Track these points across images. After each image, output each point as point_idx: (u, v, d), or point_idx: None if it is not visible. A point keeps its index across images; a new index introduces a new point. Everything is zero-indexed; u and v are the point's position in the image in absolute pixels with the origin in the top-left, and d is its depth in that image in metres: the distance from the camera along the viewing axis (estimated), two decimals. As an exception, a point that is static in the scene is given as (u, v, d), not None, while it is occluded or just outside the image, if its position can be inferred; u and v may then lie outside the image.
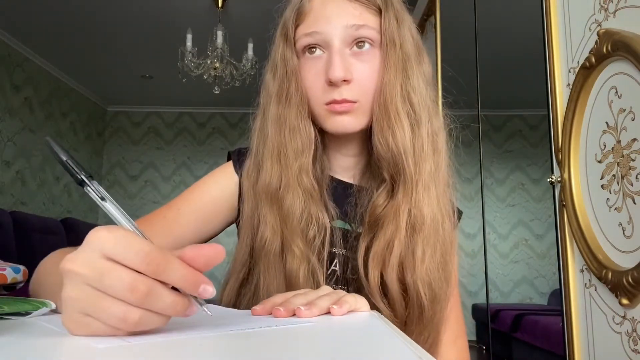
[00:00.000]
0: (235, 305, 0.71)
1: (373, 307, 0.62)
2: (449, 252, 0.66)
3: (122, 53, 4.35)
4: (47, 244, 3.84)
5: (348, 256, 0.68)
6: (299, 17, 0.68)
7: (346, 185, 0.72)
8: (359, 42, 0.66)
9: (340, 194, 0.70)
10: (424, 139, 0.65)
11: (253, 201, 0.69)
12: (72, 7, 3.57)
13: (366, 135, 0.70)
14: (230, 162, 0.77)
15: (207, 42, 3.46)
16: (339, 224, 0.69)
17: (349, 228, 0.69)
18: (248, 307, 0.67)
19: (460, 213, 0.78)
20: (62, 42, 4.14)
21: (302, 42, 0.67)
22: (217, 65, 3.47)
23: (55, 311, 0.47)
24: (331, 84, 0.65)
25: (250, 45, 3.48)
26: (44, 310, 0.45)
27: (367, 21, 0.66)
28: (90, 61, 4.54)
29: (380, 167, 0.67)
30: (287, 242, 0.64)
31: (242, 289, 0.70)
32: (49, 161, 4.66)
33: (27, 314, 0.44)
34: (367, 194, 0.68)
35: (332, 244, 0.68)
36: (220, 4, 3.45)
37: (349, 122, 0.66)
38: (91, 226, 4.90)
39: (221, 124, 5.66)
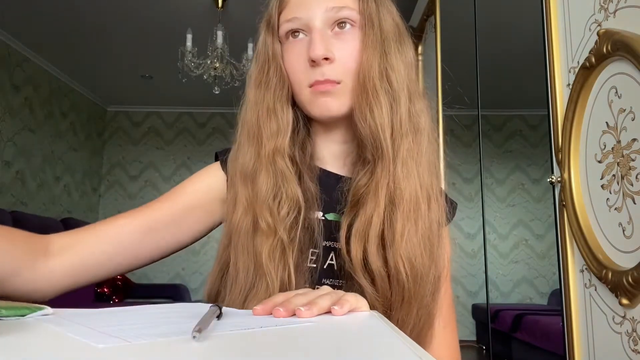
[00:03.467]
0: (219, 290, 0.72)
1: (357, 285, 0.63)
2: (435, 234, 0.66)
3: (122, 53, 4.35)
4: (47, 244, 3.84)
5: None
6: (281, 4, 0.70)
7: (337, 177, 0.72)
8: (340, 23, 0.68)
9: (332, 186, 0.71)
10: (402, 116, 0.66)
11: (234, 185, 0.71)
12: (72, 7, 3.57)
13: (353, 121, 0.70)
14: (218, 163, 0.77)
15: (207, 42, 3.46)
16: (332, 216, 0.70)
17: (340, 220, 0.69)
18: (230, 294, 0.67)
19: (454, 205, 0.78)
20: (62, 42, 4.14)
21: (284, 27, 0.69)
22: (217, 65, 3.47)
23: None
24: (313, 63, 0.66)
25: (250, 45, 3.48)
26: (42, 313, 0.45)
27: (346, 3, 0.67)
28: (90, 61, 4.54)
29: (365, 150, 0.67)
30: (256, 219, 0.65)
31: (225, 275, 0.71)
32: (49, 161, 4.66)
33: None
34: (354, 180, 0.68)
35: (327, 238, 0.68)
36: (220, 4, 3.45)
37: (333, 105, 0.67)
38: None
39: (221, 124, 5.66)
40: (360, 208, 0.64)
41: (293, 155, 0.69)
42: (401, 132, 0.65)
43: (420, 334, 0.66)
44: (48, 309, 0.46)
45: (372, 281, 0.62)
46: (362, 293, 0.60)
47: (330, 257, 0.68)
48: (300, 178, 0.69)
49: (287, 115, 0.69)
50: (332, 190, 0.70)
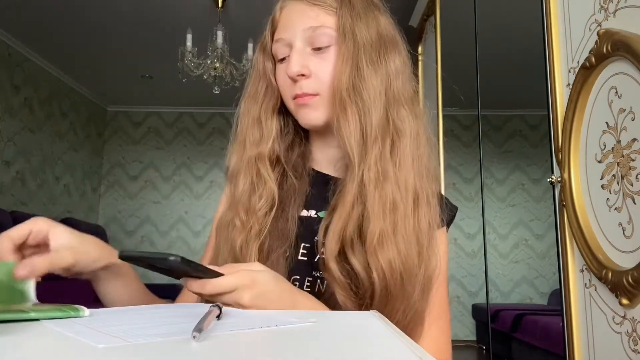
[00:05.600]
0: None
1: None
2: (425, 234, 0.67)
3: (122, 53, 4.35)
4: (47, 244, 3.83)
5: None
6: (273, 25, 0.78)
7: (327, 178, 0.76)
8: (319, 42, 0.72)
9: (324, 186, 0.74)
10: (373, 124, 0.69)
11: None
12: (73, 7, 3.58)
13: None
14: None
15: (207, 42, 3.46)
16: (323, 214, 0.72)
17: None
18: None
19: (454, 209, 0.79)
20: (62, 42, 4.14)
21: (274, 47, 0.76)
22: (217, 65, 3.47)
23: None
24: (292, 79, 0.72)
25: (250, 45, 3.48)
26: (76, 315, 0.43)
27: (324, 22, 0.72)
28: (90, 61, 4.54)
29: None
30: (233, 216, 0.71)
31: None
32: (48, 161, 4.66)
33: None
34: (340, 183, 0.72)
35: (317, 234, 0.70)
36: (220, 4, 3.46)
37: (311, 115, 0.73)
38: (91, 226, 4.88)
39: (221, 124, 5.66)
40: (335, 211, 0.68)
41: (280, 157, 0.76)
42: (371, 139, 0.68)
43: (407, 333, 0.67)
44: (85, 310, 0.44)
45: (334, 278, 0.65)
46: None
47: (321, 251, 0.70)
48: (285, 177, 0.75)
49: (271, 124, 0.76)
50: (323, 190, 0.73)
